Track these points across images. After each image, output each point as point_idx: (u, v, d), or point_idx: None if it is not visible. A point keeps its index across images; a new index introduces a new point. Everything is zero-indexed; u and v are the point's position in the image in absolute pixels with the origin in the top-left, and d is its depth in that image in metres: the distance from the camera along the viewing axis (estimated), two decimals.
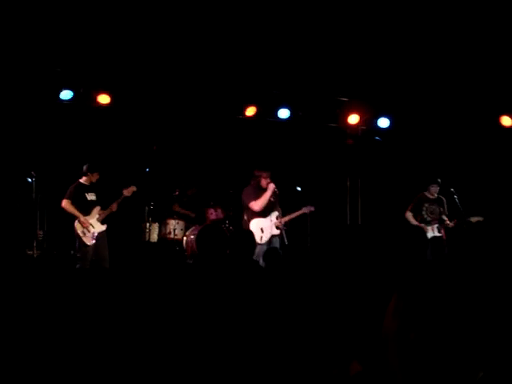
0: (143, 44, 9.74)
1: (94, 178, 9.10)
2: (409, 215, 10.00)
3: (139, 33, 9.56)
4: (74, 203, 8.95)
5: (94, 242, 8.96)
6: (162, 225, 10.84)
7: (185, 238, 10.73)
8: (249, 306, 3.90)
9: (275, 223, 8.95)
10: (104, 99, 10.22)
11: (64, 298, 4.14)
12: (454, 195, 9.98)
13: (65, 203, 8.95)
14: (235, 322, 3.67)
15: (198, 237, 9.98)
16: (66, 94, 9.99)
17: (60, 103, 10.12)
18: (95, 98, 10.21)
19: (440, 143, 11.72)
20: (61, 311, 3.94)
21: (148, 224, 10.62)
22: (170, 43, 9.83)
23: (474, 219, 9.67)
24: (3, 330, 3.64)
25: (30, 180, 9.80)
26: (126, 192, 9.11)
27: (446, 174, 10.16)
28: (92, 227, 8.96)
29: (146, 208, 10.57)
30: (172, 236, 10.77)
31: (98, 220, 9.04)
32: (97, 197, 9.14)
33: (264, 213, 8.97)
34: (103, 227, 9.08)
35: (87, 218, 8.97)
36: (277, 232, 8.97)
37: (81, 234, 8.90)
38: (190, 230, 10.79)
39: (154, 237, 10.72)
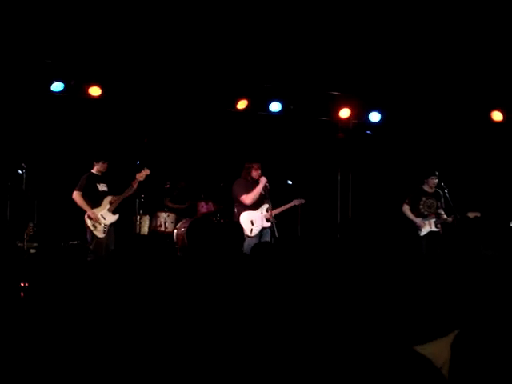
0: (134, 36, 9.71)
1: (102, 167, 9.06)
2: (406, 208, 9.95)
3: (130, 25, 9.53)
4: (84, 194, 8.91)
5: (105, 234, 8.96)
6: (153, 217, 10.84)
7: (175, 231, 10.73)
8: (239, 300, 3.91)
9: (265, 216, 8.94)
10: (95, 91, 10.19)
11: (64, 291, 4.14)
12: (445, 190, 10.00)
13: (75, 195, 8.91)
14: (226, 316, 3.68)
15: (188, 230, 9.99)
16: (56, 86, 9.96)
17: (51, 95, 10.09)
18: (86, 90, 10.17)
19: (431, 138, 11.75)
20: (55, 304, 3.94)
21: (139, 217, 10.61)
22: (161, 36, 9.81)
23: (471, 214, 9.67)
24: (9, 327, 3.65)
25: (20, 172, 9.78)
26: (139, 177, 9.06)
27: (436, 168, 10.18)
28: (103, 219, 8.94)
29: (137, 201, 10.57)
30: (163, 229, 10.77)
31: (109, 210, 9.02)
32: (108, 187, 9.11)
33: (254, 206, 8.96)
34: (115, 217, 9.08)
35: (98, 209, 8.94)
36: (267, 225, 8.96)
37: (91, 228, 8.90)
38: (181, 222, 10.79)
39: (145, 229, 10.72)
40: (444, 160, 11.30)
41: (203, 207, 11.06)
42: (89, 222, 8.90)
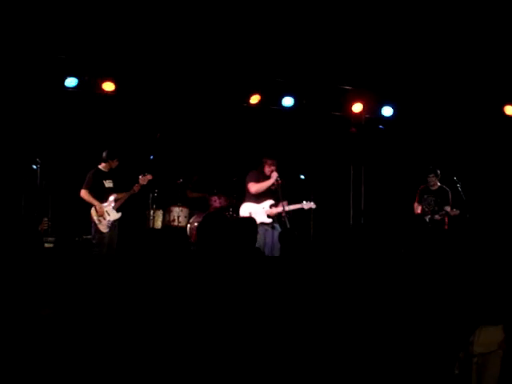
0: (147, 32, 9.75)
1: (114, 164, 9.18)
2: (415, 206, 10.31)
3: (143, 20, 9.57)
4: (91, 191, 9.00)
5: (108, 230, 9.04)
6: (166, 212, 10.88)
7: (188, 226, 10.78)
8: (250, 295, 3.94)
9: (266, 211, 8.92)
10: (108, 86, 10.24)
11: (75, 284, 4.19)
12: (457, 184, 10.00)
13: (83, 193, 9.02)
14: (237, 312, 3.71)
15: (200, 224, 9.93)
16: (70, 82, 10.02)
17: (65, 90, 10.15)
18: (100, 86, 10.22)
19: (443, 132, 11.72)
20: (66, 297, 3.99)
21: (152, 211, 10.66)
22: (174, 31, 9.84)
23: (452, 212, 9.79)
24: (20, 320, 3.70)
25: (34, 167, 9.86)
26: (142, 180, 9.20)
27: (448, 163, 10.18)
28: (107, 215, 9.02)
29: (151, 195, 10.62)
30: (176, 223, 10.81)
31: (113, 208, 9.10)
32: (114, 184, 9.20)
33: (258, 198, 8.96)
34: (118, 215, 9.16)
35: (103, 205, 9.02)
36: (267, 220, 8.92)
37: (96, 221, 8.99)
38: (194, 217, 10.84)
39: (158, 224, 10.77)
40: (456, 154, 11.28)
41: (216, 202, 11.09)
42: (94, 216, 8.98)
